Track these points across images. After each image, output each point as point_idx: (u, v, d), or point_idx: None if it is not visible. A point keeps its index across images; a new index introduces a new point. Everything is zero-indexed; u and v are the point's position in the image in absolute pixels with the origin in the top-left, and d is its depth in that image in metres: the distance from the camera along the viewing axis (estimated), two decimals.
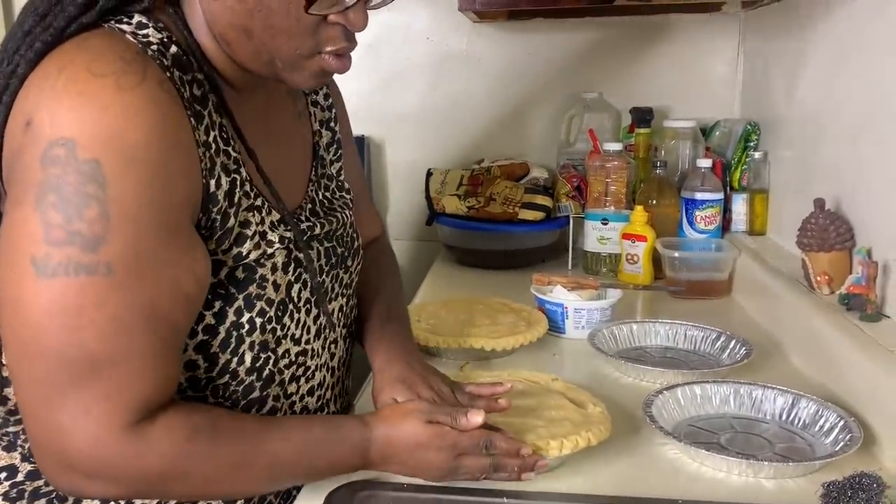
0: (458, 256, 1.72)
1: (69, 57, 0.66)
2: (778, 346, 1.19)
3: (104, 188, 0.63)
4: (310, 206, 0.88)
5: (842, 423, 0.88)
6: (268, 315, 0.77)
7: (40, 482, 0.77)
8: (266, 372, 0.79)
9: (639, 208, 1.52)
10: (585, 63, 1.87)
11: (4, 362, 0.76)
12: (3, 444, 0.78)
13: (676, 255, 1.47)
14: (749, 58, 1.76)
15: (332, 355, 0.90)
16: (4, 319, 0.65)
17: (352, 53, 0.77)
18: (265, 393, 0.80)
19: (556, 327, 1.23)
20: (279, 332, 0.80)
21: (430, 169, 1.78)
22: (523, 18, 1.84)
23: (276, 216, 0.79)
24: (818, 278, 1.13)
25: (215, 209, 0.72)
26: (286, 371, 0.82)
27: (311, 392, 0.87)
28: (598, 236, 1.59)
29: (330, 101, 0.98)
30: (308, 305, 0.84)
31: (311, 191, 0.89)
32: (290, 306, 0.81)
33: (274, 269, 0.78)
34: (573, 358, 1.18)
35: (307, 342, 0.85)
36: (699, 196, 1.55)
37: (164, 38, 0.71)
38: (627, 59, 1.85)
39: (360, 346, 0.98)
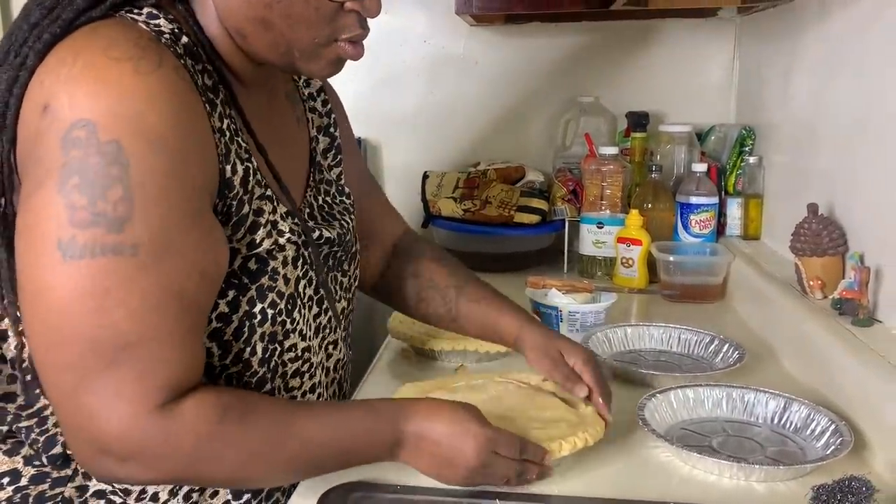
0: None
1: (83, 43, 0.66)
2: (771, 351, 1.20)
3: (127, 169, 0.63)
4: (308, 210, 0.89)
5: (833, 427, 0.88)
6: (278, 307, 0.78)
7: (44, 486, 0.77)
8: (273, 363, 0.80)
9: (634, 212, 1.53)
10: (582, 67, 1.87)
11: (10, 356, 0.76)
12: (6, 448, 0.78)
13: (671, 259, 1.47)
14: (744, 63, 1.77)
15: (329, 356, 0.90)
16: (32, 307, 0.65)
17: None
18: (274, 385, 0.81)
19: None
20: (288, 326, 0.80)
21: (426, 171, 1.78)
22: (520, 22, 1.84)
23: (284, 209, 0.80)
24: (811, 283, 1.14)
25: (231, 195, 0.73)
26: (290, 365, 0.83)
27: (312, 389, 0.87)
28: (594, 240, 1.59)
29: (328, 107, 0.99)
30: (311, 303, 0.85)
31: (310, 196, 0.90)
32: (298, 301, 0.82)
33: (284, 262, 0.79)
34: None
35: (310, 339, 0.85)
36: (694, 200, 1.55)
37: (175, 28, 0.72)
38: (624, 63, 1.86)
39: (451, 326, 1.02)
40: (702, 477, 0.83)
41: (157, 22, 0.71)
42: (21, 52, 0.68)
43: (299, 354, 0.84)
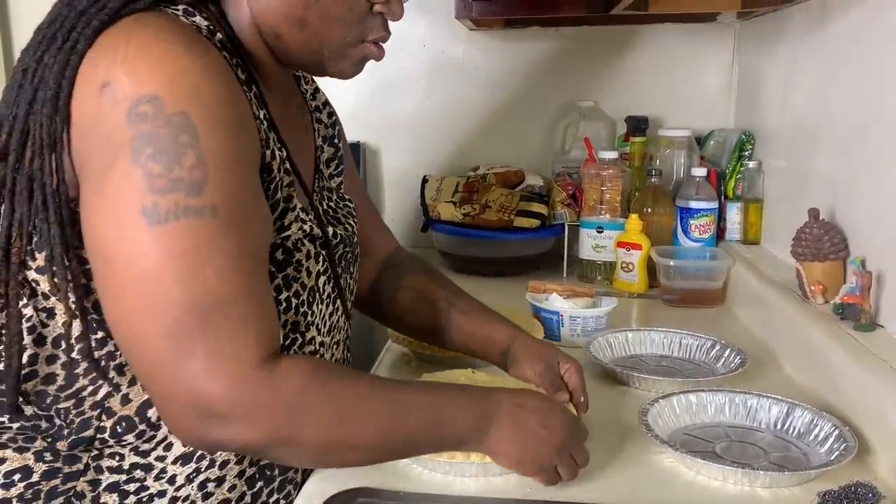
0: (453, 263, 1.72)
1: (134, 28, 0.69)
2: (772, 356, 1.20)
3: (197, 137, 0.66)
4: (312, 213, 0.89)
5: (836, 432, 0.88)
6: (301, 298, 0.80)
7: (56, 481, 0.76)
8: (291, 353, 0.81)
9: (634, 217, 1.53)
10: (581, 71, 1.87)
11: (55, 335, 0.75)
12: (15, 446, 0.77)
13: (671, 263, 1.47)
14: (744, 68, 1.77)
15: (333, 356, 0.91)
16: (121, 277, 0.66)
17: None
18: None
19: (551, 335, 1.23)
20: (309, 318, 0.82)
21: (425, 175, 1.78)
22: (519, 27, 1.84)
23: (301, 204, 0.82)
24: (812, 288, 1.14)
25: (268, 177, 0.76)
26: None
27: None
28: (593, 244, 1.59)
29: (333, 119, 1.01)
30: (328, 300, 0.87)
31: (315, 200, 0.91)
32: (317, 295, 0.84)
33: (307, 256, 0.81)
34: None
35: (324, 334, 0.86)
36: (694, 205, 1.55)
37: (210, 25, 0.75)
38: (623, 68, 1.86)
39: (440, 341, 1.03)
40: (706, 483, 0.83)
41: (194, 19, 0.74)
42: (71, 38, 0.69)
43: (316, 349, 0.84)
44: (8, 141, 0.71)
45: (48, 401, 0.76)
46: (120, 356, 0.75)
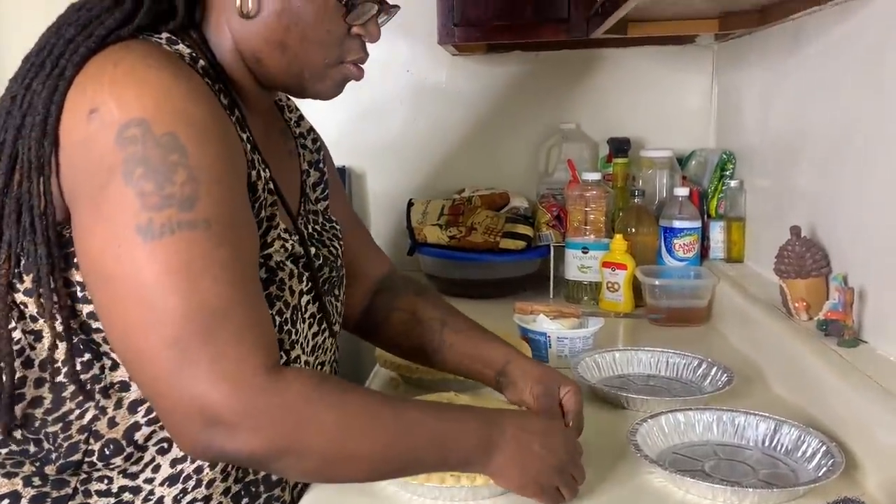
0: (440, 286, 1.72)
1: (120, 55, 0.71)
2: (758, 373, 1.20)
3: (186, 155, 0.68)
4: (297, 235, 0.89)
5: (824, 448, 0.89)
6: (284, 316, 0.81)
7: None
8: None
9: (618, 237, 1.54)
10: (563, 94, 1.90)
11: (41, 358, 0.75)
12: (4, 471, 0.77)
13: (656, 282, 1.48)
14: (723, 88, 1.80)
15: None
16: (119, 294, 0.67)
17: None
18: None
19: (539, 356, 1.23)
20: (293, 336, 0.82)
21: (411, 199, 1.79)
22: (501, 51, 1.87)
23: (284, 225, 0.83)
24: (796, 305, 1.15)
25: (253, 197, 0.77)
26: None
27: None
28: (579, 265, 1.60)
29: (318, 145, 1.02)
30: (311, 320, 0.87)
31: (301, 224, 0.91)
32: (300, 315, 0.84)
33: (290, 275, 0.82)
34: None
35: (308, 354, 0.86)
36: (677, 224, 1.57)
37: (192, 53, 0.76)
38: (604, 90, 1.89)
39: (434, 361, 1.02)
40: (696, 502, 0.83)
41: (176, 47, 0.76)
42: (59, 65, 0.71)
43: (301, 367, 0.84)
44: None
45: (36, 424, 0.76)
46: (105, 378, 0.75)
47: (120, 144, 0.66)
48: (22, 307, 0.75)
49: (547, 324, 1.26)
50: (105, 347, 0.75)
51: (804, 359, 1.05)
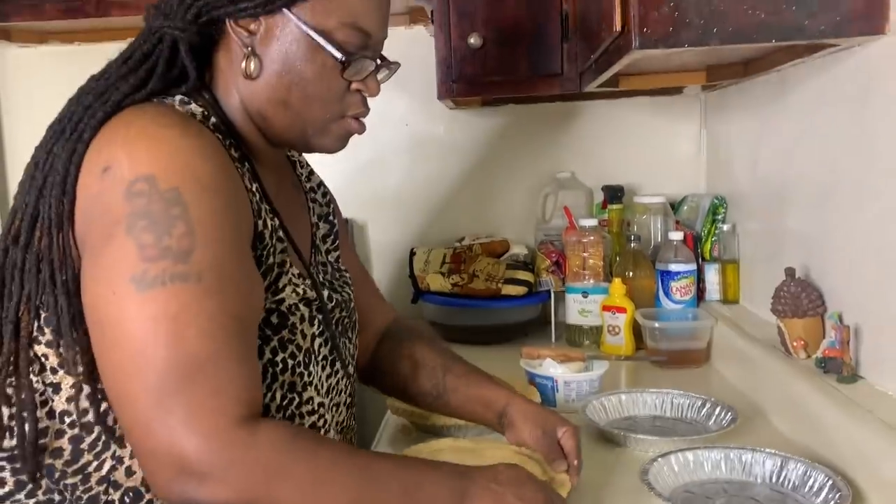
0: (444, 333, 1.75)
1: (133, 117, 0.77)
2: (760, 411, 1.24)
3: (187, 210, 0.71)
4: (309, 280, 0.93)
5: (830, 482, 0.91)
6: (297, 359, 0.84)
7: None
8: (290, 412, 0.84)
9: (617, 281, 1.58)
10: (557, 144, 1.96)
11: (60, 410, 0.78)
12: None
13: (656, 325, 1.52)
14: (711, 136, 1.87)
15: (337, 419, 0.94)
16: (110, 340, 0.70)
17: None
18: None
19: (547, 400, 1.26)
20: (306, 378, 0.85)
21: (413, 248, 1.83)
22: (496, 104, 1.93)
23: (297, 270, 0.87)
24: (794, 343, 1.19)
25: (261, 246, 0.81)
26: (307, 418, 0.86)
27: None
28: (580, 309, 1.64)
29: (328, 198, 1.07)
30: (325, 362, 0.90)
31: (314, 272, 0.95)
32: (313, 357, 0.87)
33: (302, 319, 0.85)
34: None
35: (323, 395, 0.89)
36: (673, 267, 1.61)
37: (204, 112, 0.81)
38: (596, 139, 1.95)
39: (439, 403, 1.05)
40: None
41: (188, 107, 0.81)
42: (77, 129, 0.77)
43: (314, 409, 0.87)
44: (20, 225, 0.77)
45: (56, 476, 0.78)
46: (120, 428, 0.77)
47: (128, 198, 0.71)
48: (43, 359, 0.78)
49: (554, 368, 1.29)
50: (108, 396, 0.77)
51: (805, 396, 1.09)
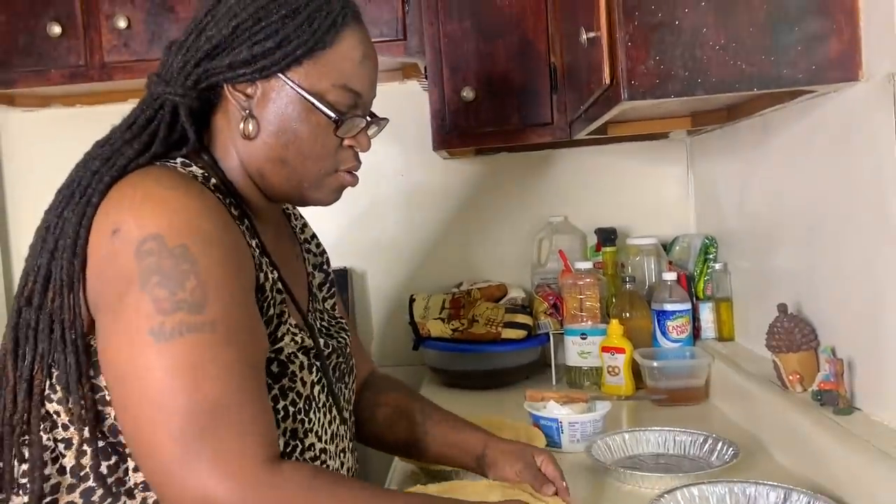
0: (445, 379, 1.77)
1: (138, 180, 0.81)
2: (761, 445, 1.26)
3: (196, 264, 0.76)
4: (307, 329, 0.96)
5: None
6: (298, 406, 0.87)
7: None
8: (293, 459, 0.86)
9: (614, 322, 1.61)
10: (550, 189, 2.01)
11: (71, 465, 0.80)
12: None
13: (655, 364, 1.54)
14: (698, 178, 1.93)
15: (342, 464, 0.96)
16: (131, 392, 0.73)
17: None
18: None
19: (552, 442, 1.28)
20: (307, 424, 0.88)
21: (412, 295, 1.86)
22: (489, 153, 1.99)
23: (294, 321, 0.90)
24: (790, 377, 1.22)
25: (262, 297, 0.84)
26: (311, 464, 0.88)
27: None
28: (579, 351, 1.67)
29: (321, 248, 1.12)
30: (325, 408, 0.92)
31: (310, 318, 0.98)
32: (313, 404, 0.90)
33: (301, 367, 0.89)
34: (574, 470, 1.19)
35: (326, 442, 0.92)
36: (668, 307, 1.65)
37: (205, 173, 0.86)
38: (587, 184, 2.01)
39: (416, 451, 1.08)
40: None
41: (190, 169, 0.86)
42: (86, 193, 0.81)
43: (317, 455, 0.90)
44: (33, 287, 0.81)
45: None
46: (129, 480, 0.80)
47: (138, 257, 0.75)
48: (55, 416, 0.81)
49: (557, 409, 1.31)
50: (129, 449, 0.80)
51: (804, 428, 1.12)
